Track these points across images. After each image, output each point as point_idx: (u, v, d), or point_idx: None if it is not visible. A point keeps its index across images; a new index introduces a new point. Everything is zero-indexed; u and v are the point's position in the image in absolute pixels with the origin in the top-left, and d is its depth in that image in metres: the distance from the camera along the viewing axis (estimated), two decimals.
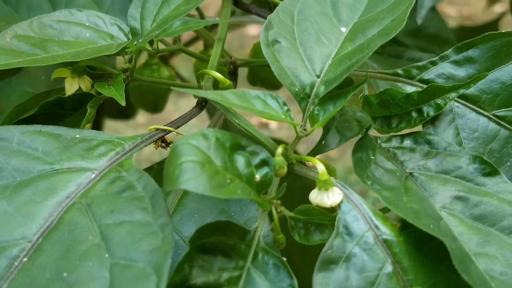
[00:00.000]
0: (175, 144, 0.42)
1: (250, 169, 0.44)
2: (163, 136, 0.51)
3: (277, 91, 0.80)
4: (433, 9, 0.88)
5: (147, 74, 0.90)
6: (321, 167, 0.44)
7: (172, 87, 0.52)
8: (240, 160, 0.44)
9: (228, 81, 0.50)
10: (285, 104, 0.47)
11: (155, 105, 1.01)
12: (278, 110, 0.46)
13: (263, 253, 0.44)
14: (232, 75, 0.68)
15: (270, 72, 0.60)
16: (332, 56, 0.49)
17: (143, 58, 0.91)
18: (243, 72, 0.70)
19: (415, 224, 0.43)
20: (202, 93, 0.48)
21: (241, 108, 0.44)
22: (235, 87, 0.64)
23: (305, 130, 0.48)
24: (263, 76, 0.76)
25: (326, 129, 0.50)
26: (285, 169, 0.45)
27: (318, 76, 0.49)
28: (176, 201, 0.52)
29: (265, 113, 0.45)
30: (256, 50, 0.76)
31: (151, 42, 0.59)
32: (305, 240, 0.47)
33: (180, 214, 0.51)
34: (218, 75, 0.50)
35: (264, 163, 0.45)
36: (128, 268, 0.38)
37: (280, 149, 0.45)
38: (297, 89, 0.48)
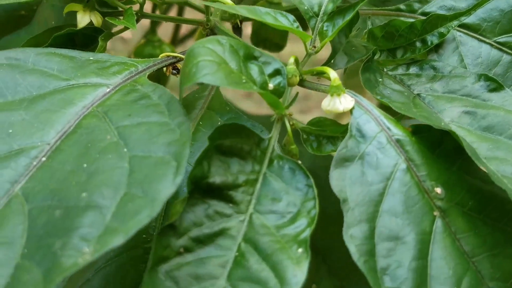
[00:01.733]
0: (191, 47, 0.43)
1: (264, 77, 0.45)
2: (174, 63, 0.52)
3: (280, 53, 0.82)
4: None
5: (149, 51, 0.91)
6: (333, 74, 0.45)
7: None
8: (253, 68, 0.45)
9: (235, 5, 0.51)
10: (295, 21, 0.48)
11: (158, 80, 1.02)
12: (288, 24, 0.47)
13: (278, 159, 0.44)
14: (236, 30, 0.69)
15: (273, 32, 0.61)
16: None
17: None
18: (246, 33, 0.71)
19: (427, 123, 0.43)
20: (215, 5, 0.49)
21: (253, 18, 0.45)
22: (239, 36, 0.65)
23: (314, 47, 0.49)
24: (266, 36, 0.77)
25: (334, 50, 0.51)
26: (297, 78, 0.46)
27: None
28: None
29: (276, 25, 0.46)
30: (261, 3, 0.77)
31: None
32: (318, 151, 0.47)
33: (193, 147, 0.51)
34: (228, 1, 0.51)
35: (277, 72, 0.45)
36: (147, 159, 0.39)
37: (292, 59, 0.46)
38: (305, 7, 0.49)
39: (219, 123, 0.53)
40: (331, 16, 0.49)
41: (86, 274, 0.48)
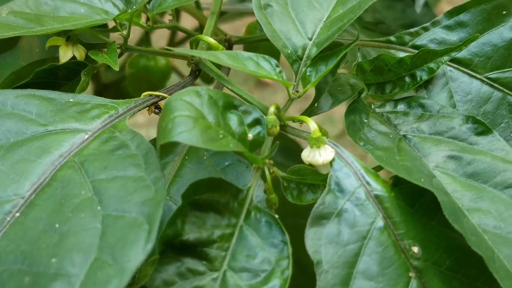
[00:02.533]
0: (168, 100, 0.42)
1: (243, 128, 0.44)
2: (156, 102, 0.51)
3: None
4: (426, 5, 0.89)
5: (143, 63, 0.90)
6: (313, 125, 0.45)
7: (167, 56, 0.52)
8: (233, 119, 0.44)
9: (221, 47, 0.50)
10: (277, 65, 0.47)
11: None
12: (271, 71, 0.46)
13: (255, 212, 0.44)
14: (227, 48, 0.68)
15: (264, 49, 0.61)
16: (324, 20, 0.50)
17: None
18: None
19: (407, 178, 0.43)
20: (196, 52, 0.48)
21: (234, 67, 0.45)
22: None
23: (297, 92, 0.48)
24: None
25: (319, 91, 0.51)
26: (278, 128, 0.45)
27: (310, 39, 0.49)
28: (174, 173, 0.52)
29: (257, 73, 0.45)
30: (251, 30, 0.76)
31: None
32: (298, 200, 0.47)
33: (177, 185, 0.51)
34: (212, 40, 0.50)
35: (256, 122, 0.45)
36: (120, 219, 0.39)
37: (272, 108, 0.45)
38: (289, 51, 0.48)
39: (204, 158, 0.52)
40: (315, 61, 0.48)
41: None
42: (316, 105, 0.50)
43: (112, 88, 1.08)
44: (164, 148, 0.52)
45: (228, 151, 0.52)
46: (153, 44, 0.89)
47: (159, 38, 0.91)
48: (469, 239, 0.40)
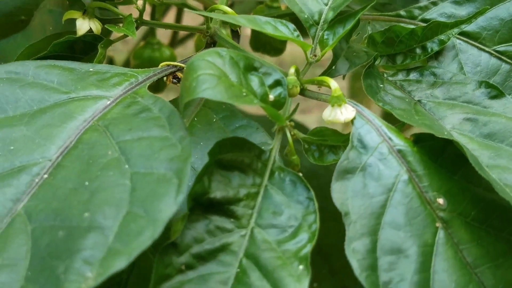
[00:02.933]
0: (191, 60, 0.42)
1: (264, 89, 0.45)
2: (174, 72, 0.52)
3: (280, 56, 0.82)
4: None
5: (148, 54, 0.91)
6: (334, 84, 0.45)
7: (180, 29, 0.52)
8: (254, 80, 0.44)
9: (236, 15, 0.51)
10: (295, 30, 0.48)
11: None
12: (288, 33, 0.47)
13: (279, 171, 0.44)
14: (235, 33, 0.69)
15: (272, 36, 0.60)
16: None
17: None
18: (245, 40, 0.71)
19: (430, 132, 0.43)
20: (215, 15, 0.48)
21: (253, 28, 0.45)
22: (238, 42, 0.65)
23: (315, 56, 0.49)
24: (265, 40, 0.77)
25: (336, 56, 0.51)
26: (298, 89, 0.46)
27: (326, 4, 0.50)
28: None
29: (276, 35, 0.46)
30: (258, 13, 0.77)
31: None
32: (320, 161, 0.47)
33: None
34: (228, 9, 0.50)
35: (277, 83, 0.45)
36: (149, 175, 0.39)
37: (292, 69, 0.46)
38: (306, 16, 0.49)
39: (214, 120, 0.52)
40: (332, 24, 0.48)
41: None
42: (333, 68, 0.50)
43: None
44: None
45: (237, 115, 0.53)
46: None
47: (160, 37, 0.92)
48: (495, 186, 0.40)
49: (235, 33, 0.69)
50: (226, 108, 0.53)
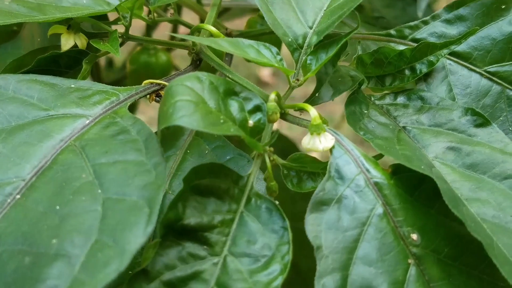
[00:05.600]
0: (169, 85, 0.42)
1: (243, 114, 0.44)
2: (157, 91, 0.51)
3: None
4: (429, 6, 0.89)
5: (144, 59, 0.91)
6: (313, 112, 0.45)
7: (168, 46, 0.52)
8: (233, 105, 0.44)
9: (222, 35, 0.50)
10: (278, 53, 0.47)
11: None
12: (271, 58, 0.47)
13: (256, 198, 0.44)
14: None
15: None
16: (324, 8, 0.50)
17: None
18: None
19: (407, 165, 0.43)
20: (197, 38, 0.48)
21: (235, 54, 0.45)
22: (231, 58, 0.64)
23: (298, 80, 0.48)
24: None
25: (320, 82, 0.51)
26: (278, 115, 0.45)
27: (311, 28, 0.49)
28: (176, 167, 0.52)
29: (258, 60, 0.45)
30: (251, 24, 0.76)
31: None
32: (298, 188, 0.47)
33: (179, 178, 0.51)
34: (213, 29, 0.50)
35: (257, 108, 0.45)
36: (120, 202, 0.39)
37: (273, 95, 0.45)
38: (290, 39, 0.49)
39: (206, 152, 0.52)
40: (315, 49, 0.48)
41: None
42: (317, 95, 0.50)
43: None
44: (166, 142, 0.52)
45: (229, 146, 0.52)
46: None
47: (160, 37, 0.92)
48: (469, 225, 0.40)
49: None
50: (219, 137, 0.52)
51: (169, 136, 0.52)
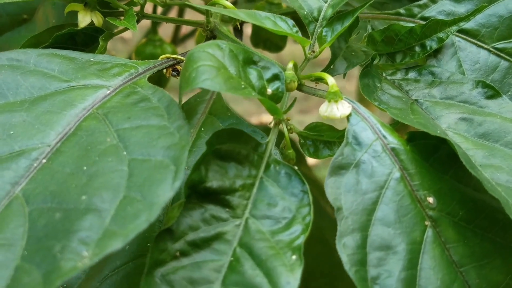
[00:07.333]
0: (191, 51, 0.43)
1: (262, 82, 0.45)
2: (174, 65, 0.52)
3: (280, 53, 0.82)
4: None
5: (150, 51, 0.91)
6: (331, 80, 0.46)
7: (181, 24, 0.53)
8: (252, 73, 0.45)
9: (236, 9, 0.51)
10: (294, 25, 0.48)
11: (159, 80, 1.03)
12: (287, 29, 0.48)
13: (275, 164, 0.45)
14: (237, 31, 0.69)
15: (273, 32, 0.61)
16: None
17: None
18: (246, 41, 0.71)
19: (424, 130, 0.44)
20: (215, 9, 0.49)
21: (252, 22, 0.46)
22: (241, 39, 0.65)
23: (313, 52, 0.49)
24: (265, 36, 0.77)
25: (334, 55, 0.52)
26: (296, 84, 0.46)
27: (325, 1, 0.51)
28: (190, 144, 0.53)
29: (275, 30, 0.47)
30: (259, 9, 0.77)
31: None
32: (315, 156, 0.48)
33: (194, 155, 0.51)
34: (228, 3, 0.51)
35: (275, 77, 0.46)
36: (146, 162, 0.39)
37: (291, 64, 0.46)
38: (305, 12, 0.50)
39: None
40: (330, 21, 0.49)
41: (93, 283, 0.48)
42: (332, 67, 0.51)
43: None
44: None
45: (243, 123, 0.53)
46: None
47: (163, 35, 0.93)
48: (486, 185, 0.41)
49: (238, 31, 0.70)
50: (232, 115, 0.54)
51: (186, 109, 0.52)
